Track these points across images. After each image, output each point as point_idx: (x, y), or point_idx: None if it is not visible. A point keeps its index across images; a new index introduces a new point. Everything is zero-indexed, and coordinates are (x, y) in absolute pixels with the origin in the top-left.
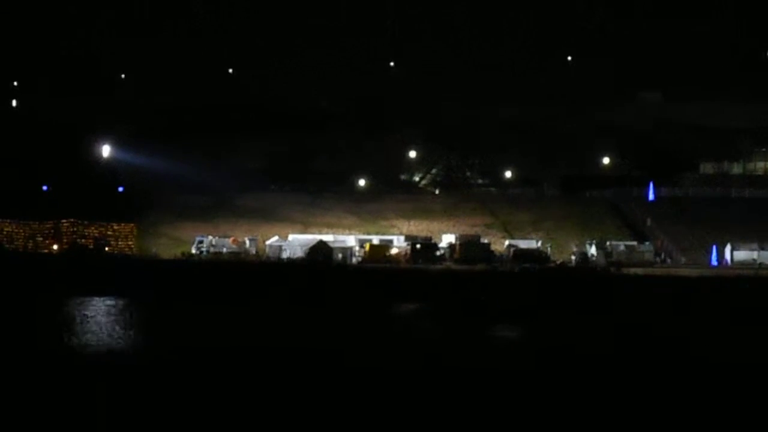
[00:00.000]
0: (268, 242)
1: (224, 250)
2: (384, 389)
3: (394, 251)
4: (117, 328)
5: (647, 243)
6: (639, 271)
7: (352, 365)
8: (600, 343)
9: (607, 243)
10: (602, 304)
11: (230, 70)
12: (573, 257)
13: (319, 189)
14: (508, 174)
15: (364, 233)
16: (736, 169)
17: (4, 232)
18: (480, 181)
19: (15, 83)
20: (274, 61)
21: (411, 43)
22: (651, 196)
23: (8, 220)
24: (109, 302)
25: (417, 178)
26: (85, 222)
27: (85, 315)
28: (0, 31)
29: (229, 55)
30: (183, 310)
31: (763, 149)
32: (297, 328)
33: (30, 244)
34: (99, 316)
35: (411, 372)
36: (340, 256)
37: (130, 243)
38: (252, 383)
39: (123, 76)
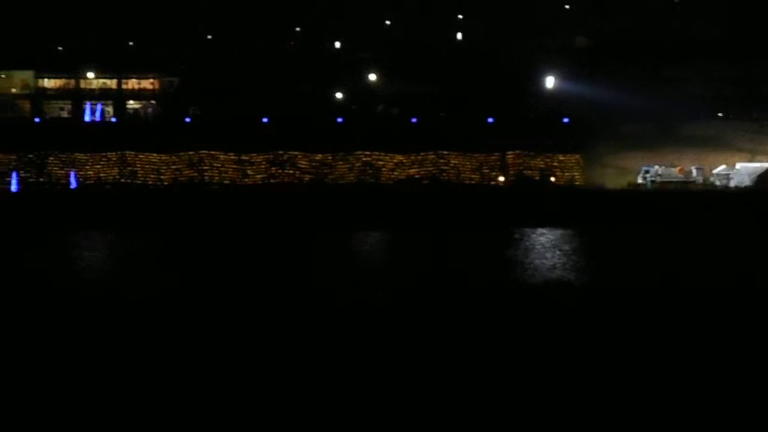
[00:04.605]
0: (714, 171)
1: (671, 179)
2: None
3: None
4: (565, 258)
5: None
6: None
7: None
8: None
9: None
10: None
11: None
12: None
13: (766, 117)
14: None
15: None
16: None
17: (451, 164)
18: None
19: (459, 16)
20: None
21: None
22: None
23: (455, 153)
24: (556, 233)
25: None
26: (531, 153)
27: (531, 246)
28: None
29: None
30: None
31: None
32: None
33: (476, 176)
34: (546, 247)
35: None
36: None
37: (575, 174)
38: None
39: (567, 6)
